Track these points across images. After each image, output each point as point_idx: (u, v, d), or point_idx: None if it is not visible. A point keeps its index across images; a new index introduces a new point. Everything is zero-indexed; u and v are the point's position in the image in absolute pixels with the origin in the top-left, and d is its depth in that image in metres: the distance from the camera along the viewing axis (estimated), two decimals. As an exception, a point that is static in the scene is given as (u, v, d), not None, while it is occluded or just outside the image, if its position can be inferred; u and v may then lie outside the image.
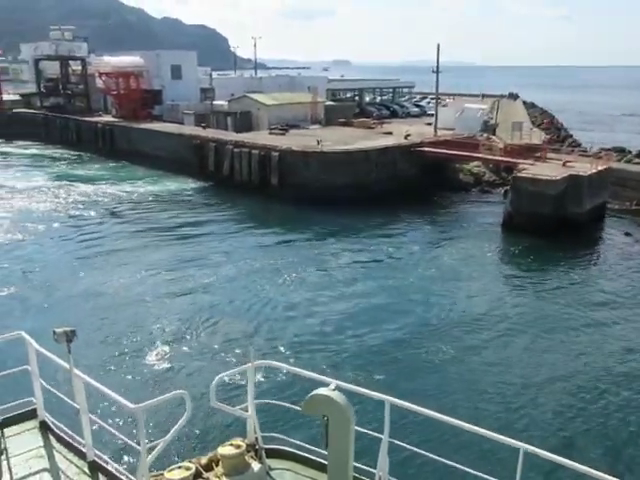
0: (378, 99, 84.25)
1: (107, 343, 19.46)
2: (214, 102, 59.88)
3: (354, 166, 38.94)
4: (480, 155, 40.13)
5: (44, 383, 7.18)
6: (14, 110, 71.75)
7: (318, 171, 38.84)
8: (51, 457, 6.70)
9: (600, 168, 34.71)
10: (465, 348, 19.60)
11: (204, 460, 6.29)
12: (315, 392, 5.42)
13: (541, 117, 77.12)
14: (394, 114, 68.11)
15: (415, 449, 6.30)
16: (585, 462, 4.96)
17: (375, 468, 5.92)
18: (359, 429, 5.68)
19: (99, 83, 64.01)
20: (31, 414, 7.36)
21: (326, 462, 5.77)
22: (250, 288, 24.58)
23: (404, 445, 6.22)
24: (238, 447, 6.25)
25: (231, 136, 46.85)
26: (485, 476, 5.60)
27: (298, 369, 6.53)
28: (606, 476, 4.76)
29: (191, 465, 6.07)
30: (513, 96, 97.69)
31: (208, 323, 21.11)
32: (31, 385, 7.17)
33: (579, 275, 27.04)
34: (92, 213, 37.27)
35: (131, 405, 5.39)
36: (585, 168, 34.09)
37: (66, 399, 7.01)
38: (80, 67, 70.63)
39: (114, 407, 13.39)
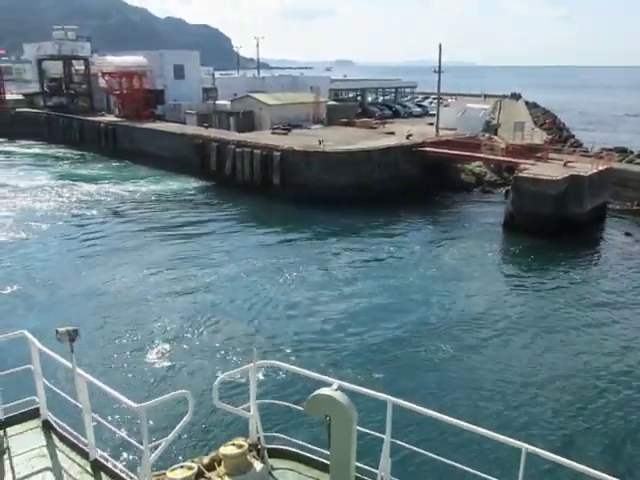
0: (380, 99, 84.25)
1: (110, 342, 19.53)
2: (217, 102, 60.04)
3: (356, 166, 39.03)
4: (482, 155, 40.16)
5: (47, 382, 7.20)
6: (17, 109, 72.01)
7: (320, 171, 38.93)
8: (54, 456, 6.72)
9: (601, 168, 34.73)
10: (466, 347, 19.67)
11: (206, 460, 6.31)
12: (317, 392, 5.42)
13: (543, 117, 77.10)
14: (396, 114, 68.13)
15: (417, 449, 6.32)
16: (585, 461, 5.03)
17: (377, 468, 5.94)
18: (361, 429, 5.69)
19: (102, 83, 64.12)
20: (34, 413, 7.37)
21: (328, 462, 5.77)
22: (252, 287, 24.66)
23: (406, 445, 6.25)
24: (240, 447, 6.26)
25: (233, 136, 46.95)
26: (487, 476, 5.63)
27: (300, 369, 6.52)
28: (608, 477, 4.78)
29: (193, 465, 6.08)
30: (515, 96, 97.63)
31: (210, 322, 21.18)
32: (34, 384, 7.17)
33: (579, 275, 27.09)
34: (95, 212, 37.42)
35: (134, 404, 5.42)
36: (586, 168, 34.10)
37: (69, 398, 7.05)
38: (83, 67, 70.70)
39: (117, 406, 13.27)
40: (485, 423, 14.07)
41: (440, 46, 47.19)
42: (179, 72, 64.26)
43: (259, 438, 6.61)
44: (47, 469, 6.46)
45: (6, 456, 6.54)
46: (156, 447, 5.53)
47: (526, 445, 5.14)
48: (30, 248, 30.13)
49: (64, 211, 37.60)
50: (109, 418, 12.89)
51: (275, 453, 6.76)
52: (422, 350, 19.36)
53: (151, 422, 12.59)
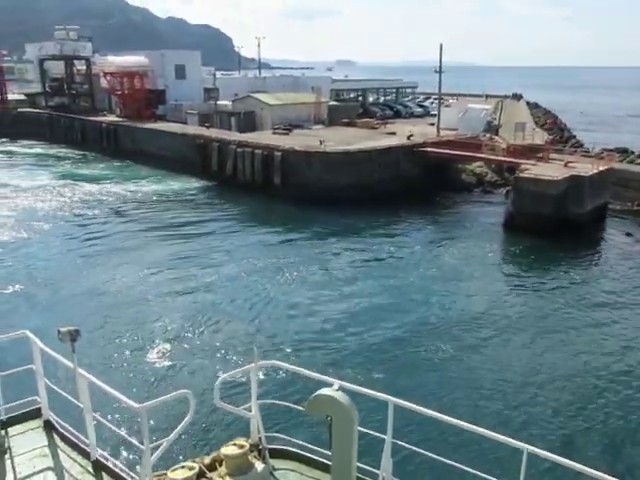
0: (382, 99, 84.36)
1: (111, 342, 19.58)
2: (218, 102, 60.15)
3: (357, 166, 39.08)
4: (482, 155, 40.21)
5: (48, 382, 7.21)
6: (19, 109, 72.20)
7: (321, 171, 38.99)
8: (55, 456, 6.73)
9: (602, 169, 34.77)
10: (466, 347, 19.71)
11: (207, 460, 6.31)
12: (319, 392, 5.41)
13: (544, 117, 77.08)
14: (397, 114, 68.18)
15: (418, 450, 6.32)
16: (585, 460, 5.04)
17: (378, 468, 5.94)
18: (362, 429, 5.68)
19: (103, 83, 64.23)
20: (35, 413, 7.38)
21: (329, 462, 5.76)
22: (253, 287, 24.71)
23: (407, 445, 6.24)
24: (241, 447, 6.26)
25: (234, 136, 47.03)
26: (488, 477, 5.63)
27: (301, 369, 6.52)
28: (609, 478, 4.78)
29: (194, 465, 6.08)
30: (517, 96, 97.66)
31: (211, 322, 21.23)
32: (35, 384, 7.18)
33: (580, 275, 27.11)
34: (96, 212, 37.51)
35: (135, 405, 5.42)
36: (586, 169, 34.15)
37: (70, 398, 7.05)
38: (85, 67, 70.89)
39: (118, 406, 13.35)
40: (486, 423, 14.21)
41: (441, 46, 47.24)
42: (180, 72, 64.37)
43: (260, 438, 6.60)
44: (48, 469, 6.47)
45: (7, 456, 6.49)
46: (157, 447, 5.53)
47: (527, 446, 5.14)
48: (32, 247, 30.23)
49: (66, 211, 37.71)
50: (110, 418, 12.88)
51: (276, 453, 6.75)
52: (423, 350, 19.40)
53: (152, 422, 12.57)
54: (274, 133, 49.11)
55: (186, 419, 5.53)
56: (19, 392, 7.27)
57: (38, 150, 63.12)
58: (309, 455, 6.67)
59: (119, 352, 18.88)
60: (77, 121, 64.28)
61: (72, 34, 75.32)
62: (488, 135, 48.50)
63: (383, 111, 67.99)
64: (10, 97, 75.01)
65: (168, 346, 19.24)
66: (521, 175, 33.59)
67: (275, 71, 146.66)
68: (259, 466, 6.30)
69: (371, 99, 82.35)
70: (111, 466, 6.54)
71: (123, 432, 7.38)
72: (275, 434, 7.03)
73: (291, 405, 7.42)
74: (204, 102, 63.17)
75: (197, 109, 58.38)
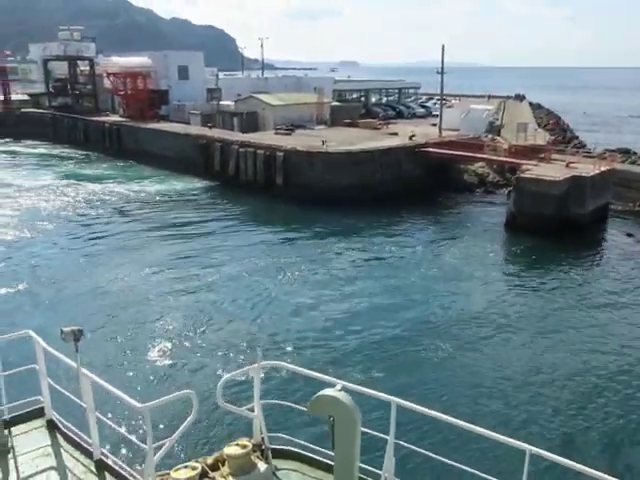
0: (384, 100, 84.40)
1: (114, 341, 19.66)
2: (220, 102, 60.23)
3: (359, 166, 39.15)
4: (484, 156, 40.26)
5: (51, 382, 7.21)
6: (22, 110, 72.43)
7: (323, 171, 39.08)
8: (58, 456, 6.72)
9: (603, 169, 34.79)
10: (468, 346, 19.78)
11: (210, 460, 6.32)
12: (321, 393, 5.41)
13: (547, 118, 77.08)
14: (400, 115, 68.20)
15: (421, 450, 6.31)
16: (585, 460, 5.09)
17: (381, 469, 5.93)
18: (365, 430, 5.69)
19: (107, 83, 64.45)
20: (38, 413, 7.38)
21: (332, 463, 5.76)
22: (255, 287, 24.80)
23: (410, 446, 6.25)
24: (244, 447, 6.26)
25: (237, 136, 47.16)
26: (491, 478, 5.64)
27: (304, 369, 6.51)
28: (612, 479, 4.77)
29: (197, 465, 6.09)
30: (519, 97, 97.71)
31: (214, 322, 21.30)
32: (38, 384, 7.19)
33: (581, 275, 27.16)
34: (99, 212, 37.67)
35: (138, 404, 5.43)
36: (588, 169, 34.18)
37: (73, 398, 7.05)
38: (88, 67, 71.10)
39: (121, 406, 13.35)
40: (487, 422, 14.34)
41: (443, 47, 47.31)
42: (183, 73, 64.57)
43: (263, 438, 6.60)
44: (51, 468, 6.48)
45: (11, 455, 6.58)
46: (160, 447, 5.54)
47: (530, 447, 5.13)
48: (36, 247, 30.39)
49: (69, 210, 37.87)
50: (113, 418, 12.78)
51: (279, 453, 6.75)
52: (425, 349, 19.45)
53: (155, 422, 12.67)
54: (276, 133, 49.22)
55: (189, 419, 5.54)
56: (22, 391, 7.28)
57: (41, 150, 63.35)
58: (312, 455, 6.67)
59: (122, 351, 18.95)
60: (80, 121, 64.50)
61: (76, 35, 75.50)
62: (490, 136, 48.52)
63: (385, 112, 68.01)
64: (14, 97, 75.25)
65: (171, 346, 19.31)
66: (522, 175, 33.63)
67: (278, 72, 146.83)
68: (262, 466, 6.29)
69: (373, 100, 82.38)
70: (114, 466, 6.55)
71: (126, 432, 7.40)
72: (278, 434, 7.03)
73: (294, 405, 7.41)
74: (207, 102, 63.36)
75: (200, 109, 58.53)
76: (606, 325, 21.97)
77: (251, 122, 53.14)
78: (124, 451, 12.50)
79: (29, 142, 66.58)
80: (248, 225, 35.31)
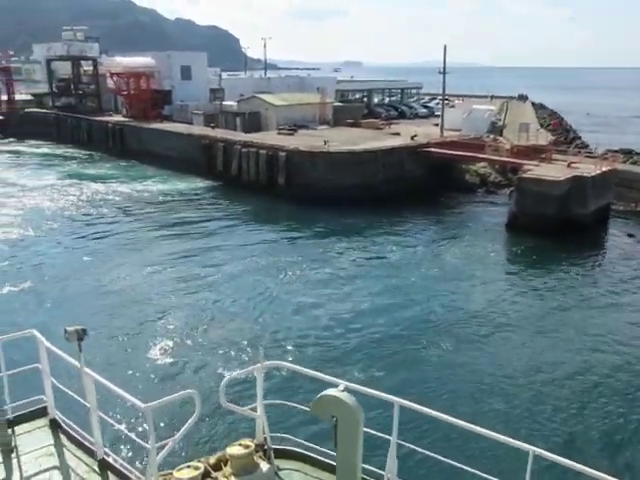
0: (387, 100, 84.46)
1: (117, 341, 19.76)
2: (223, 102, 60.37)
3: (361, 166, 39.25)
4: (486, 156, 40.32)
5: (55, 381, 7.22)
6: (26, 110, 72.68)
7: (325, 171, 39.19)
8: (61, 455, 6.73)
9: (605, 169, 34.83)
10: (469, 346, 19.88)
11: (213, 460, 6.29)
12: (324, 393, 5.39)
13: (550, 118, 77.05)
14: (402, 115, 68.27)
15: (424, 451, 6.32)
16: (586, 459, 5.13)
17: (383, 469, 5.91)
18: (368, 430, 5.69)
19: (110, 83, 64.65)
20: (42, 412, 7.37)
21: (335, 463, 5.75)
22: (257, 286, 24.92)
23: (413, 447, 6.27)
24: (247, 447, 6.25)
25: (239, 136, 47.29)
26: (493, 478, 5.64)
27: (307, 370, 6.49)
28: None
29: (200, 465, 6.07)
30: (522, 97, 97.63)
31: (216, 321, 21.41)
32: (42, 383, 7.20)
33: (582, 275, 27.22)
34: (102, 211, 37.83)
35: (141, 404, 5.42)
36: (589, 169, 34.22)
37: (76, 397, 7.08)
38: (91, 67, 71.32)
39: (124, 406, 13.38)
40: (489, 421, 14.45)
41: (445, 48, 47.36)
42: (186, 73, 64.74)
43: (266, 438, 6.58)
44: (54, 468, 6.49)
45: (14, 454, 6.59)
46: (163, 447, 5.54)
47: (533, 447, 5.13)
48: (39, 246, 30.55)
49: (72, 210, 38.05)
50: (116, 417, 12.93)
51: (281, 454, 6.74)
52: (427, 349, 19.55)
53: (158, 421, 12.69)
54: (279, 133, 49.33)
55: (192, 419, 5.54)
56: (26, 391, 7.30)
57: (45, 150, 63.57)
58: (314, 456, 6.65)
59: (125, 351, 19.06)
60: (84, 121, 64.71)
61: (79, 35, 75.79)
62: (492, 136, 48.57)
63: (388, 112, 68.06)
64: (17, 97, 75.47)
65: (174, 345, 19.40)
66: (524, 175, 33.70)
67: (281, 72, 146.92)
68: (264, 466, 6.29)
69: (376, 100, 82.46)
70: (117, 465, 6.55)
71: (129, 431, 7.41)
72: (280, 434, 7.05)
73: (296, 405, 7.35)
74: (210, 102, 63.47)
75: (203, 109, 58.67)
76: (607, 325, 22.01)
77: (254, 122, 53.26)
78: (127, 450, 12.52)
79: (33, 142, 66.83)
80: (250, 225, 35.45)
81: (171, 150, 51.19)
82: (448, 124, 49.09)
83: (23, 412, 7.32)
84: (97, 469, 6.48)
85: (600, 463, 13.13)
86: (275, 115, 53.54)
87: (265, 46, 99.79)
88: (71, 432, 7.09)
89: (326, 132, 49.56)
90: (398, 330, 21.06)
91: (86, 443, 6.81)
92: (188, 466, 6.00)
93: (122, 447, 12.50)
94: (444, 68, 47.61)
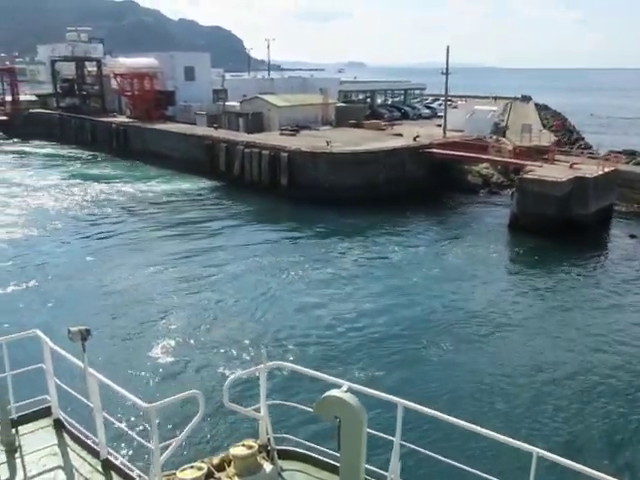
0: (390, 101, 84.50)
1: (120, 340, 19.86)
2: (226, 103, 60.53)
3: (363, 167, 39.34)
4: (488, 157, 40.37)
5: (58, 381, 7.24)
6: (31, 110, 72.99)
7: (327, 172, 39.29)
8: (65, 455, 6.73)
9: (607, 170, 34.85)
10: (470, 346, 19.95)
11: (216, 460, 6.30)
12: (327, 394, 5.36)
13: (552, 119, 76.99)
14: (405, 116, 68.20)
15: (427, 452, 6.30)
16: (587, 459, 5.18)
17: (387, 470, 5.92)
18: (371, 431, 5.66)
19: (114, 84, 64.94)
20: (45, 412, 7.38)
21: (338, 464, 5.70)
22: (260, 286, 25.01)
23: (416, 448, 6.26)
24: (250, 448, 6.25)
25: (242, 137, 47.45)
26: None
27: (310, 370, 6.49)
28: None
29: (203, 465, 6.08)
30: (526, 98, 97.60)
31: (219, 321, 21.49)
32: (46, 383, 7.21)
33: (582, 276, 27.24)
34: (106, 211, 37.99)
35: (144, 404, 5.44)
36: (591, 170, 34.25)
37: (80, 397, 7.08)
38: (95, 68, 71.62)
39: (128, 406, 13.41)
40: (491, 421, 14.55)
41: (447, 48, 47.45)
42: (190, 74, 64.93)
43: (269, 439, 6.58)
44: (58, 468, 6.49)
45: (18, 454, 6.61)
46: (166, 447, 5.55)
47: (537, 449, 5.14)
48: (43, 245, 30.71)
49: (76, 210, 38.22)
50: (120, 417, 12.88)
51: (285, 454, 6.74)
52: (429, 349, 19.59)
53: (162, 422, 12.79)
54: (281, 134, 49.45)
55: (195, 419, 5.55)
56: (29, 391, 7.31)
57: (49, 150, 63.82)
58: (317, 456, 6.65)
59: (128, 351, 19.14)
60: (87, 122, 64.99)
61: (83, 36, 76.10)
62: (495, 137, 48.61)
63: (391, 112, 68.08)
64: (22, 98, 75.78)
65: (177, 345, 19.47)
66: (525, 176, 33.75)
67: (285, 72, 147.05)
68: (267, 467, 6.30)
69: (379, 101, 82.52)
70: (120, 465, 6.57)
71: (132, 432, 7.41)
72: (284, 435, 7.07)
73: (300, 406, 7.31)
74: (213, 103, 63.63)
75: (206, 110, 58.85)
76: (608, 325, 22.04)
77: (256, 123, 53.41)
78: (130, 451, 12.55)
79: (37, 142, 67.11)
80: (252, 225, 35.57)
81: (174, 150, 51.39)
82: (451, 125, 49.16)
83: (27, 412, 7.35)
84: (101, 469, 6.50)
85: (600, 463, 13.15)
86: (278, 116, 53.67)
87: (269, 47, 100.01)
88: (75, 432, 7.12)
89: (328, 133, 49.64)
90: (400, 330, 21.12)
91: (90, 443, 6.83)
92: (191, 466, 6.02)
93: (126, 447, 12.54)
94: (447, 69, 47.71)
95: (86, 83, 73.84)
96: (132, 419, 14.02)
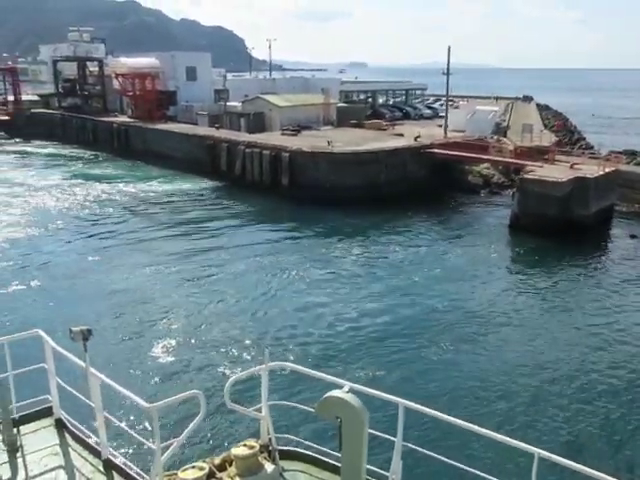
0: (391, 101, 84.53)
1: (122, 340, 19.89)
2: (228, 103, 60.57)
3: (364, 167, 39.39)
4: (489, 157, 40.40)
5: (60, 381, 7.25)
6: (33, 110, 73.13)
7: (328, 172, 39.34)
8: (66, 455, 6.73)
9: (608, 170, 34.86)
10: (471, 346, 19.98)
11: (217, 460, 6.31)
12: (329, 394, 5.37)
13: (554, 119, 77.01)
14: (406, 116, 68.25)
15: (429, 452, 6.27)
16: (588, 459, 5.19)
17: (388, 471, 5.90)
18: (372, 431, 5.66)
19: (115, 84, 65.00)
20: (47, 412, 7.38)
21: (339, 464, 5.70)
22: (261, 286, 25.06)
23: (417, 448, 6.22)
24: (252, 448, 6.25)
25: (243, 137, 47.51)
26: None
27: (312, 371, 6.49)
28: None
29: (205, 465, 6.08)
30: (527, 99, 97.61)
31: (221, 321, 21.50)
32: (47, 383, 7.22)
33: (583, 276, 27.27)
34: (108, 211, 38.06)
35: (146, 404, 5.46)
36: (592, 170, 34.27)
37: (82, 397, 7.05)
38: (97, 68, 71.73)
39: (129, 406, 13.54)
40: (493, 421, 14.57)
41: (449, 49, 47.46)
42: (191, 74, 65.01)
43: (270, 439, 6.58)
44: (59, 467, 6.50)
45: (19, 454, 6.61)
46: (168, 447, 5.55)
47: (539, 450, 5.12)
48: (45, 245, 30.78)
49: (78, 210, 38.29)
50: (121, 417, 12.98)
51: (286, 455, 6.74)
52: (430, 349, 19.61)
53: (163, 422, 12.81)
54: (283, 134, 49.50)
55: (197, 419, 5.56)
56: (31, 391, 7.32)
57: (51, 150, 63.94)
58: (319, 456, 6.66)
59: (130, 350, 19.15)
60: (89, 122, 65.10)
61: (85, 36, 76.15)
62: (496, 137, 48.64)
63: (392, 113, 68.11)
64: (24, 98, 75.92)
65: (178, 345, 19.49)
66: (526, 176, 33.77)
67: (287, 73, 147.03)
68: (269, 467, 6.30)
69: (381, 101, 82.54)
70: (122, 465, 6.57)
71: (134, 431, 7.44)
72: (285, 435, 7.09)
73: (301, 406, 7.35)
74: (214, 103, 63.72)
75: (207, 110, 58.93)
76: (609, 325, 22.04)
77: (258, 123, 53.46)
78: (132, 451, 12.58)
79: (39, 142, 67.24)
80: (254, 225, 35.62)
81: (176, 150, 51.47)
82: (452, 125, 49.19)
83: (28, 412, 7.36)
84: (102, 469, 6.51)
85: (601, 463, 13.13)
86: (279, 116, 53.72)
87: (270, 47, 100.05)
88: (76, 432, 7.12)
89: (330, 133, 49.68)
90: (401, 329, 21.16)
91: (91, 443, 6.85)
92: (193, 466, 6.02)
93: (127, 447, 12.57)
94: (447, 69, 47.73)
95: (88, 83, 73.98)
96: (133, 419, 14.02)
